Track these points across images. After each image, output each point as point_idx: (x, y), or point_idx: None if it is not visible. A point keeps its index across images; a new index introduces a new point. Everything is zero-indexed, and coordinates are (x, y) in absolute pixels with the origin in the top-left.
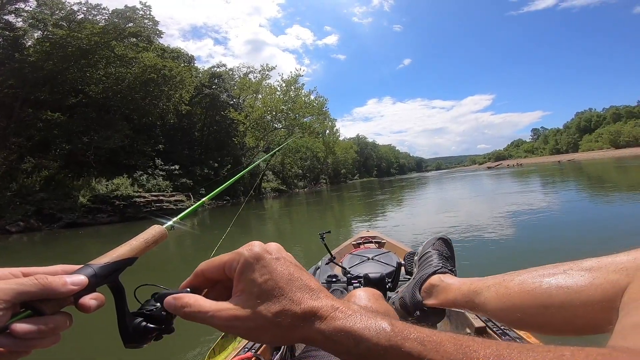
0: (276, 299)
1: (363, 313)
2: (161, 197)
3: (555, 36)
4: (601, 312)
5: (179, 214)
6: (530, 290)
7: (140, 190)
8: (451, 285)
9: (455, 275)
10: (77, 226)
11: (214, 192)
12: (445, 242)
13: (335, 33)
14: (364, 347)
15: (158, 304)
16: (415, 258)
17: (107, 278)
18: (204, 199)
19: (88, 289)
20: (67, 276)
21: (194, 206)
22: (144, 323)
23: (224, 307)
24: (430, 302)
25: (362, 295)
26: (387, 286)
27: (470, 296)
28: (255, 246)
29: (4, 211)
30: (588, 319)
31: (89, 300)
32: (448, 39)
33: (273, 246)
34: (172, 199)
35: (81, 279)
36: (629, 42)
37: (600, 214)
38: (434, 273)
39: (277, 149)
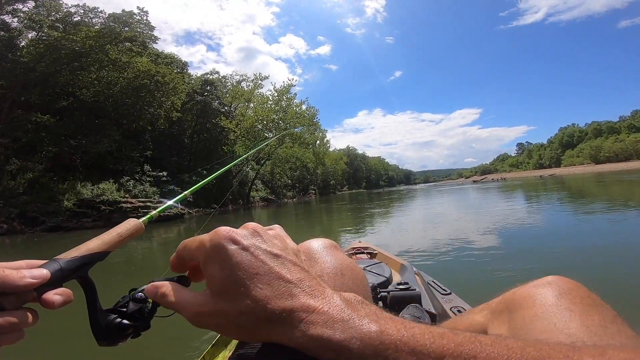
0: (237, 298)
1: (346, 315)
2: (148, 203)
3: (542, 51)
4: None
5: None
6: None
7: (126, 195)
8: None
9: None
10: (60, 230)
11: (195, 186)
12: (414, 307)
13: (328, 43)
14: (345, 358)
15: (141, 295)
16: None
17: (76, 273)
18: (185, 192)
19: (53, 283)
20: (27, 270)
21: (174, 199)
22: (118, 320)
23: (191, 301)
24: None
25: (315, 246)
26: (379, 296)
27: None
28: (218, 234)
29: None
30: None
31: (53, 295)
32: (439, 52)
33: (243, 232)
34: (159, 205)
35: (42, 272)
36: (613, 57)
37: (575, 226)
38: None
39: (267, 142)
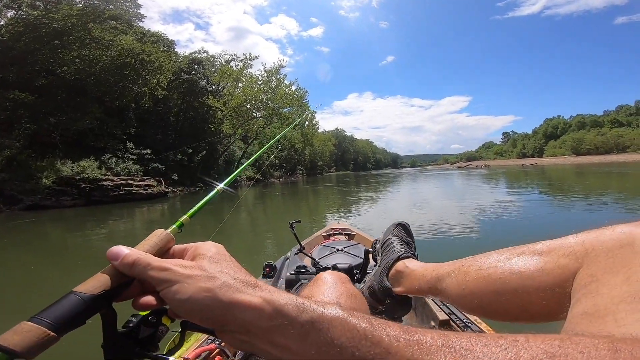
0: (218, 266)
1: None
2: (130, 182)
3: (536, 43)
4: (553, 298)
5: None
6: (485, 277)
7: (108, 173)
8: (415, 271)
9: (417, 259)
10: (39, 208)
11: (230, 178)
12: (404, 227)
13: (320, 25)
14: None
15: (154, 318)
16: (377, 246)
17: (100, 309)
18: (219, 186)
19: (75, 322)
20: None
21: (205, 199)
22: (135, 348)
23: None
24: (397, 289)
25: (329, 278)
26: (355, 277)
27: (433, 283)
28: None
29: None
30: (542, 305)
31: None
32: (432, 38)
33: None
34: (142, 183)
35: None
36: (606, 53)
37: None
38: (399, 259)
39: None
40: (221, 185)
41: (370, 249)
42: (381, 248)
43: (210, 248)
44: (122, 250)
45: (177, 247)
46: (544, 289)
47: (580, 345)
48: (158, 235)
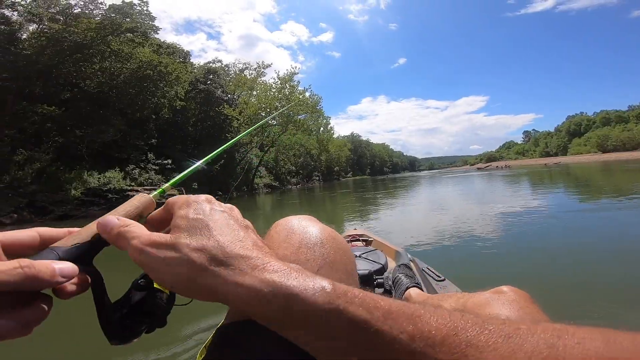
0: (200, 236)
1: (300, 271)
2: (154, 192)
3: (551, 39)
4: None
5: None
6: None
7: (132, 184)
8: (412, 300)
9: (420, 285)
10: (69, 218)
11: (210, 155)
12: (405, 266)
13: (330, 30)
14: (297, 308)
15: (142, 281)
16: (390, 282)
17: (78, 263)
18: (199, 163)
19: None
20: (56, 263)
21: (187, 171)
22: (129, 315)
23: (148, 232)
24: None
25: (294, 220)
26: (375, 282)
27: None
28: (201, 195)
29: None
30: None
31: (69, 284)
32: (444, 38)
33: (220, 203)
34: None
35: (71, 269)
36: (625, 47)
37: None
38: (407, 289)
39: (269, 116)
40: (200, 162)
41: (390, 275)
42: (393, 283)
43: (188, 210)
44: (112, 220)
45: (156, 212)
46: None
47: (577, 336)
48: (138, 198)
